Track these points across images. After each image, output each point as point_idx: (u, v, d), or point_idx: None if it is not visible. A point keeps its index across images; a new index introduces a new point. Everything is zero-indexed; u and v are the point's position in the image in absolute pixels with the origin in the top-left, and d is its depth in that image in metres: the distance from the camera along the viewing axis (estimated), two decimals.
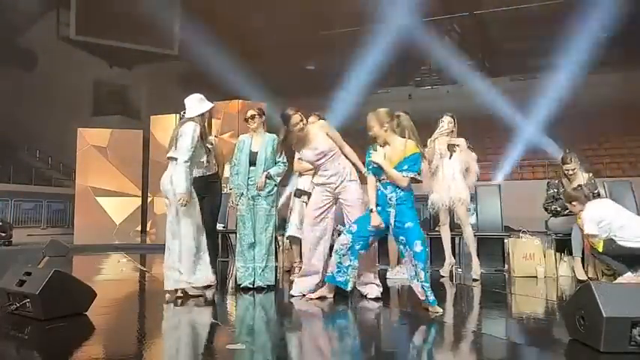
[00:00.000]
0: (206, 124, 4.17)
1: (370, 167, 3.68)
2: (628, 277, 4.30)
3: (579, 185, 5.00)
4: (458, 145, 5.15)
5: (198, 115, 4.02)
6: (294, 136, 4.07)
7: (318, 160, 4.08)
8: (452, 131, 5.26)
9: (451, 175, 5.13)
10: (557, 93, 19.52)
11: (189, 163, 3.89)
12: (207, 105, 4.09)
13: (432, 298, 3.45)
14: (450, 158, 5.16)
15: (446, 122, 5.26)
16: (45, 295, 3.12)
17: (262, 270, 4.34)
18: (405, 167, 3.53)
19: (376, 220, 3.60)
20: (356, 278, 3.86)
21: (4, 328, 3.16)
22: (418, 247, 3.46)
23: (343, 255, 3.73)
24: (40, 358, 2.77)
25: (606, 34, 19.02)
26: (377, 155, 3.60)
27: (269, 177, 4.37)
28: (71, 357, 2.65)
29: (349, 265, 3.74)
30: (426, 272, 3.47)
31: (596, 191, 5.11)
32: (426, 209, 5.94)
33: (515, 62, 21.58)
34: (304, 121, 4.08)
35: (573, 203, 4.73)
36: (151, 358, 2.68)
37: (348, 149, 4.14)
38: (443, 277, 5.18)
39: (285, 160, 4.44)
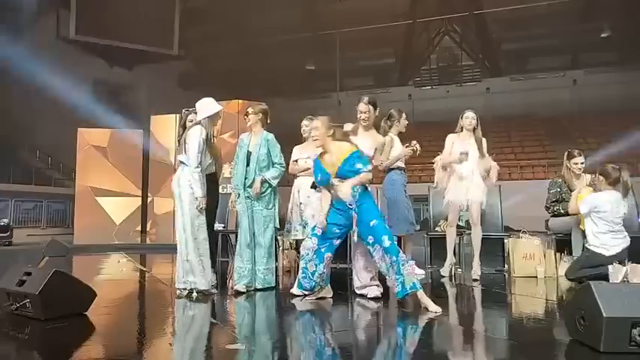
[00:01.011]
0: (212, 127, 4.21)
1: (318, 179, 3.74)
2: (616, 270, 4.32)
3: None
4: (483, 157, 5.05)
5: (206, 118, 4.07)
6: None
7: None
8: (475, 129, 5.08)
9: (470, 176, 5.04)
10: (557, 93, 19.56)
11: (199, 168, 4.00)
12: (214, 108, 4.12)
13: (409, 285, 3.45)
14: (481, 159, 5.04)
15: (473, 123, 5.07)
16: (45, 295, 3.12)
17: (262, 272, 4.29)
18: (356, 167, 3.60)
19: (323, 224, 3.71)
20: (324, 283, 3.91)
21: (4, 328, 3.16)
22: (386, 242, 3.52)
23: (309, 260, 3.74)
24: (40, 358, 2.77)
25: (606, 34, 19.05)
26: (342, 187, 3.60)
27: (265, 181, 4.29)
28: (71, 357, 2.65)
29: (314, 271, 3.75)
30: (400, 264, 3.49)
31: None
32: (426, 210, 5.93)
33: (515, 62, 21.60)
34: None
35: (601, 178, 4.65)
36: (151, 358, 2.68)
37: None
38: (443, 277, 5.18)
39: (281, 162, 4.40)
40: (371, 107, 4.50)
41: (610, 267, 4.27)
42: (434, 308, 3.42)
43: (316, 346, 2.95)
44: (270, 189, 4.36)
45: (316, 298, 3.88)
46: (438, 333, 3.14)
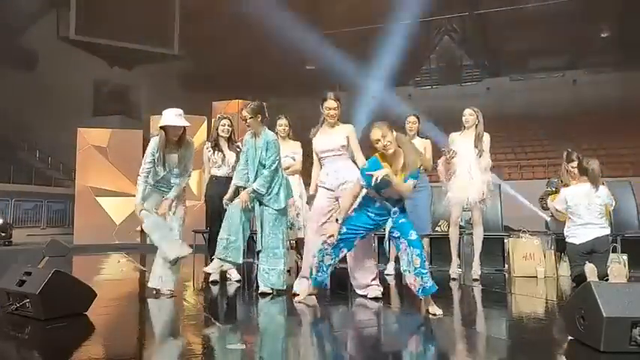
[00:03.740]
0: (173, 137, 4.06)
1: (377, 182, 3.38)
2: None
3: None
4: (483, 151, 5.02)
5: (161, 127, 3.98)
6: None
7: (322, 153, 4.15)
8: (475, 125, 5.05)
9: (467, 175, 5.01)
10: (557, 93, 19.56)
11: (142, 176, 4.05)
12: (166, 120, 3.96)
13: (429, 284, 3.37)
14: (479, 156, 5.00)
15: (470, 120, 5.08)
16: (45, 295, 3.12)
17: (266, 272, 4.12)
18: (409, 181, 3.47)
19: (335, 231, 3.56)
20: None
21: (4, 328, 3.16)
22: (413, 235, 3.47)
23: (327, 254, 3.71)
24: (40, 358, 2.76)
25: (606, 34, 19.05)
26: (384, 171, 3.36)
27: (252, 192, 4.09)
28: (71, 357, 2.65)
29: (330, 264, 3.73)
30: (423, 259, 3.43)
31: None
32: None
33: (515, 62, 21.59)
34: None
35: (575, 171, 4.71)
36: (151, 358, 2.68)
37: (360, 159, 4.07)
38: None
39: (272, 166, 4.11)
40: (338, 103, 4.18)
41: (585, 267, 4.27)
42: (435, 311, 3.37)
43: (316, 346, 2.95)
44: (277, 187, 4.16)
45: (304, 297, 3.85)
46: (439, 333, 3.14)
